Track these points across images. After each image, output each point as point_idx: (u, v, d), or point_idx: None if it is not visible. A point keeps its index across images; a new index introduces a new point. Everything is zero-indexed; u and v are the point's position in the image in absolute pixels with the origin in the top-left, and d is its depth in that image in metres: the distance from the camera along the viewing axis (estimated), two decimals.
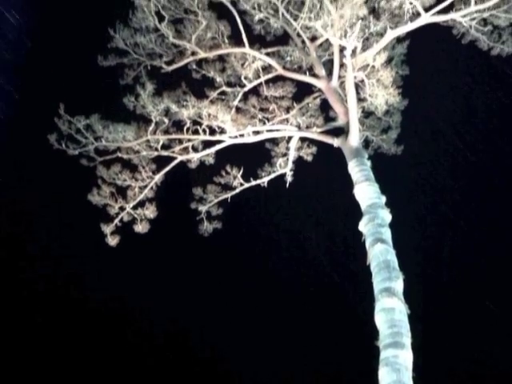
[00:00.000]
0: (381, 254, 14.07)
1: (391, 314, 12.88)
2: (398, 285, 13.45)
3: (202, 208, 20.46)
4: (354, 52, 17.28)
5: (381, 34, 18.48)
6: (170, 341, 27.65)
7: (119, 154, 19.12)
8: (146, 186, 19.55)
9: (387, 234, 14.72)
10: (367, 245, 14.74)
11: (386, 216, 15.22)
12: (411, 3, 17.29)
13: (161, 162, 19.58)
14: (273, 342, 26.22)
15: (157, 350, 28.05)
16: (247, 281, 27.15)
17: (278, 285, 26.87)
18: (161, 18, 18.69)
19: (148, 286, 27.34)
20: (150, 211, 19.72)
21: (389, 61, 19.46)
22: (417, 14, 17.43)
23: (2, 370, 26.00)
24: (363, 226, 15.24)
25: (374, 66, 18.70)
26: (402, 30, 17.98)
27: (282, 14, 19.30)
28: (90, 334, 27.32)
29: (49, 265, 27.88)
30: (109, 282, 26.61)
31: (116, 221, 19.40)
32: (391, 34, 17.73)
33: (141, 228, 19.63)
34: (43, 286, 28.00)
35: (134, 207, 19.60)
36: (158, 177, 19.60)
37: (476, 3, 16.94)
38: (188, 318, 26.91)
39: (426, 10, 17.21)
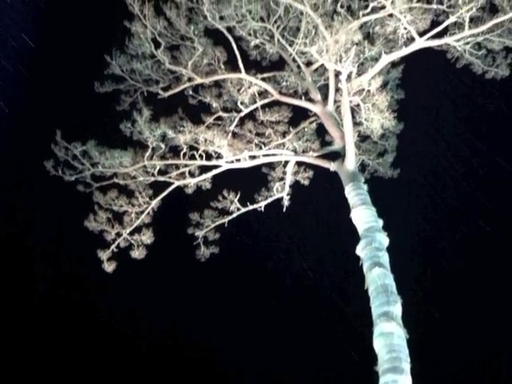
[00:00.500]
0: (379, 278, 13.98)
1: (390, 338, 12.76)
2: (397, 309, 13.34)
3: (199, 233, 20.40)
4: (349, 77, 17.42)
5: (376, 59, 18.62)
6: (170, 342, 27.55)
7: (116, 180, 19.09)
8: (142, 212, 19.47)
9: (385, 257, 14.62)
10: (365, 269, 14.63)
11: (384, 240, 15.13)
12: (405, 28, 17.44)
13: (157, 187, 19.53)
14: (273, 343, 26.14)
15: (157, 350, 27.94)
16: (247, 281, 27.13)
17: (277, 288, 26.95)
18: (157, 45, 18.86)
19: (149, 290, 27.27)
20: (147, 237, 19.62)
21: (384, 85, 19.57)
22: (411, 39, 17.58)
23: (2, 369, 25.83)
24: (360, 250, 15.13)
25: (369, 91, 18.84)
26: (397, 54, 18.11)
27: (278, 40, 19.53)
28: (90, 334, 27.16)
29: (49, 265, 27.85)
30: (109, 284, 26.45)
31: (113, 247, 19.30)
32: (386, 59, 17.87)
33: (137, 254, 19.51)
34: (43, 286, 27.99)
35: (131, 233, 19.51)
36: (155, 202, 19.53)
37: (470, 28, 17.06)
38: (189, 320, 26.92)
39: (421, 34, 17.34)
